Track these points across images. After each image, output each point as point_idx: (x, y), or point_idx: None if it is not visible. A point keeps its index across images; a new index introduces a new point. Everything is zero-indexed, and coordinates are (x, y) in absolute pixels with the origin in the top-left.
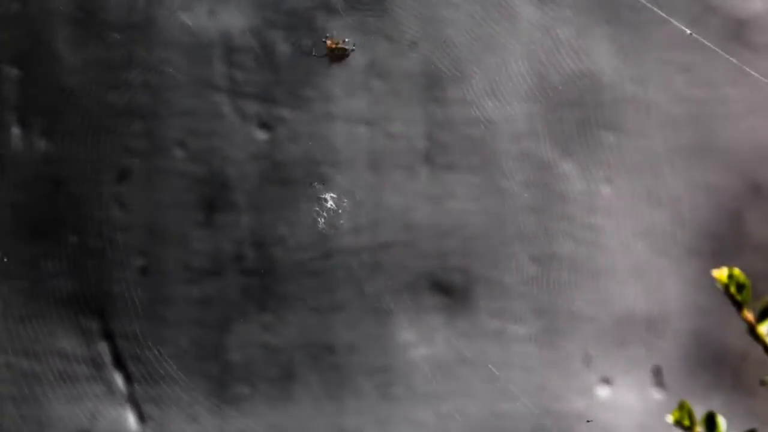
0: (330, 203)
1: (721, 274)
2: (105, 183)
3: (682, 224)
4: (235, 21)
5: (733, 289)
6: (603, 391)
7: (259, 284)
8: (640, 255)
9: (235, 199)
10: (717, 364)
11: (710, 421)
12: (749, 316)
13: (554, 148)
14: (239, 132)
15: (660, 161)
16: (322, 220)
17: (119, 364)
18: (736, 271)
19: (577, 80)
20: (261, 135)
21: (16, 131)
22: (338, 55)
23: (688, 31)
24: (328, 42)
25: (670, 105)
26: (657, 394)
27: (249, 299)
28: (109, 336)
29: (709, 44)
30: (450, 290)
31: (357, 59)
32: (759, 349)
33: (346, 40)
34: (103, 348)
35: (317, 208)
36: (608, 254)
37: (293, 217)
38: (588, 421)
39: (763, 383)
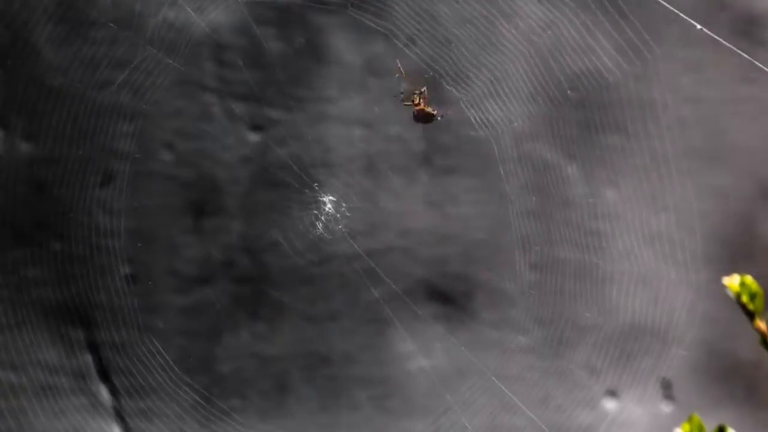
0: (325, 208)
1: (732, 282)
2: (90, 187)
3: (691, 230)
4: (224, 17)
5: (744, 298)
6: (609, 404)
7: (251, 292)
8: (646, 262)
9: (225, 204)
10: (728, 375)
11: None
12: (762, 326)
13: (557, 150)
14: (229, 134)
15: (667, 164)
16: (317, 225)
17: (104, 375)
18: (748, 279)
19: (581, 80)
20: (252, 137)
21: None
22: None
23: (698, 26)
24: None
25: (678, 105)
26: (666, 407)
27: (240, 308)
28: (94, 347)
29: (720, 39)
30: (449, 298)
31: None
32: None
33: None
34: (88, 359)
35: (311, 213)
36: (613, 261)
37: (286, 222)
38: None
39: None
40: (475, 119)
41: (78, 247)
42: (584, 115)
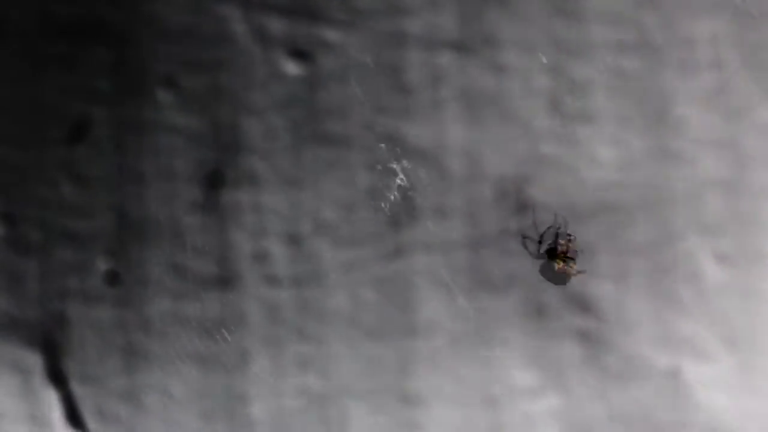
0: (400, 175)
1: None
2: (51, 143)
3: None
4: None
5: None
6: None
7: (294, 299)
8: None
9: (253, 169)
10: None
11: None
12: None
13: None
14: (259, 64)
15: None
16: (389, 199)
17: (75, 422)
18: None
19: None
20: (293, 68)
21: None
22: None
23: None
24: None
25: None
26: None
27: (278, 323)
28: (59, 379)
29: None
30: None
31: None
32: None
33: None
34: (51, 398)
35: (381, 181)
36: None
37: (346, 194)
38: None
39: None
40: None
41: (33, 233)
42: None
